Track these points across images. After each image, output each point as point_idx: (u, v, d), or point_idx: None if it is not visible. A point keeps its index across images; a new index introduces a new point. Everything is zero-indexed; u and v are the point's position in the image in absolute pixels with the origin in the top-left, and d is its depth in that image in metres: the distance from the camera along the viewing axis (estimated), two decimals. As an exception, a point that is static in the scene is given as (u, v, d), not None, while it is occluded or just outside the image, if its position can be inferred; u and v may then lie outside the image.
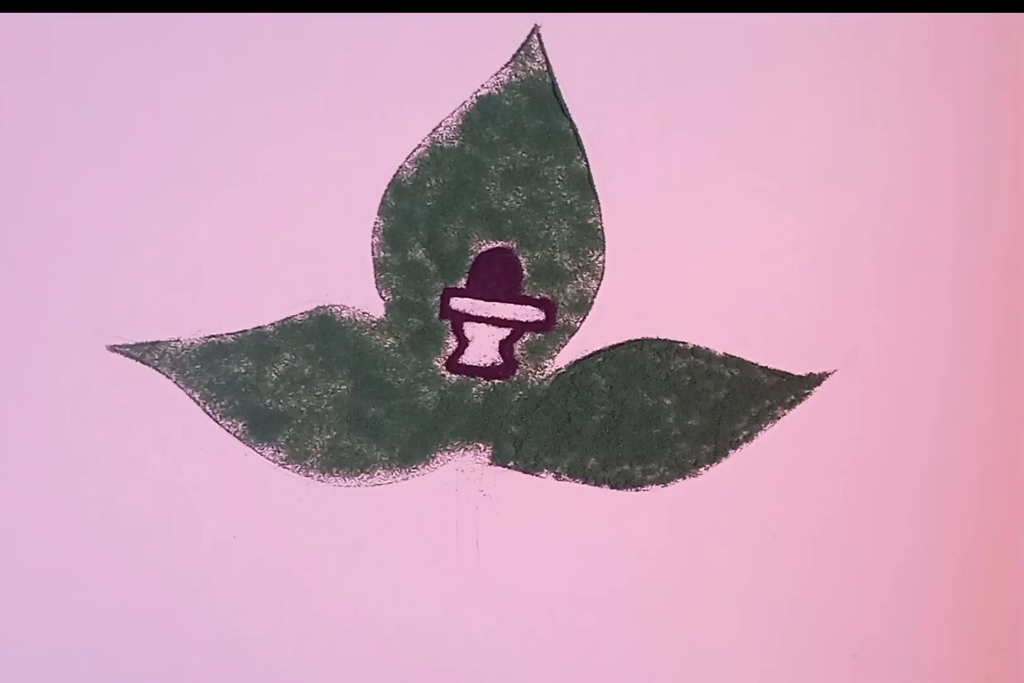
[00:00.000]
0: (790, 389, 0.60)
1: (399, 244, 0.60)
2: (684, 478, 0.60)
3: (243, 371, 0.59)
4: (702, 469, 0.60)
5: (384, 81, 0.59)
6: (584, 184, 0.60)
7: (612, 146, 0.60)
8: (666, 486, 0.60)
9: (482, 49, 0.59)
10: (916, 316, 0.61)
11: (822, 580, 0.61)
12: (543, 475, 0.60)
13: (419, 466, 0.60)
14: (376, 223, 0.59)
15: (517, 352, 0.60)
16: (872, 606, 0.61)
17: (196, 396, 0.59)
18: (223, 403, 0.59)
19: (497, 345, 0.60)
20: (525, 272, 0.60)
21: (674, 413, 0.60)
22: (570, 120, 0.60)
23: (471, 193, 0.60)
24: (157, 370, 0.58)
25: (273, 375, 0.59)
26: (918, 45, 0.61)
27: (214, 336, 0.59)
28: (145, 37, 0.58)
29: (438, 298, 0.60)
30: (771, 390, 0.60)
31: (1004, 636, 0.61)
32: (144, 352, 0.58)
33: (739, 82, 0.60)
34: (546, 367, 0.60)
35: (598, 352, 0.60)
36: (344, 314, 0.59)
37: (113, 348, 0.58)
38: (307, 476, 0.59)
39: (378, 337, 0.60)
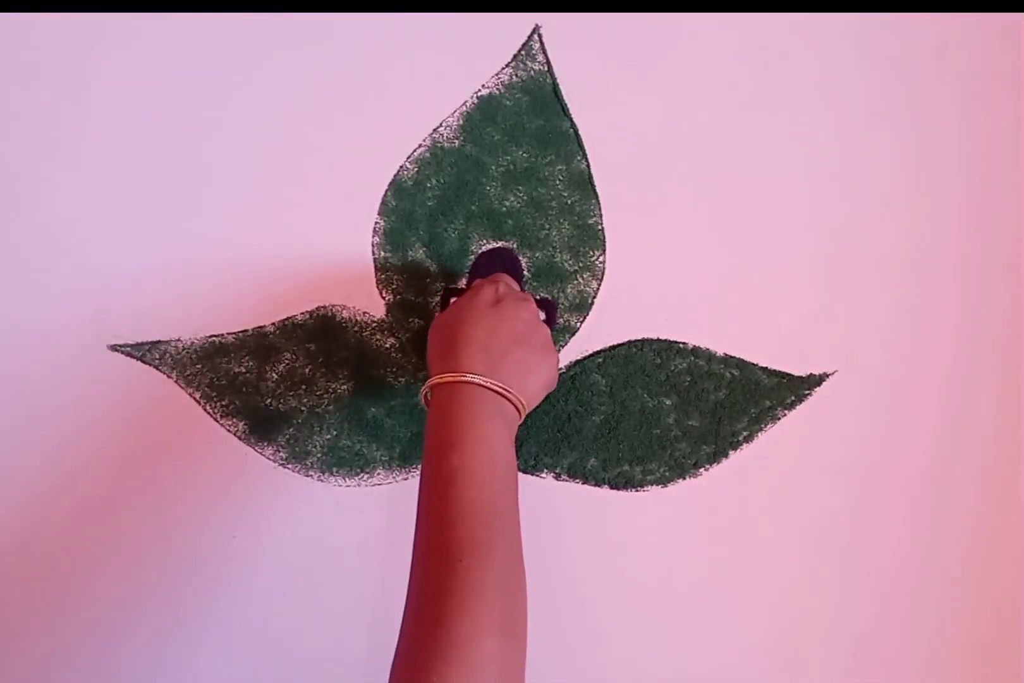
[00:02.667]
0: (790, 390, 0.60)
1: (400, 244, 0.60)
2: (684, 478, 0.60)
3: (244, 371, 0.59)
4: (702, 469, 0.60)
5: (384, 81, 0.59)
6: (585, 184, 0.60)
7: (613, 146, 0.60)
8: (666, 486, 0.60)
9: (483, 49, 0.59)
10: (916, 318, 0.61)
11: (822, 580, 0.61)
12: (543, 475, 0.60)
13: (419, 466, 0.60)
14: (377, 223, 0.59)
15: (517, 352, 0.60)
16: (872, 606, 0.61)
17: (197, 396, 0.59)
18: (223, 403, 0.59)
19: (497, 345, 0.60)
20: (525, 272, 0.60)
21: (674, 414, 0.60)
22: (571, 120, 0.60)
23: (472, 193, 0.60)
24: (158, 370, 0.58)
25: (274, 375, 0.59)
26: (920, 45, 0.61)
27: (215, 336, 0.59)
28: (145, 37, 0.58)
29: (439, 298, 0.60)
30: (771, 391, 0.60)
31: (1004, 636, 0.61)
32: (144, 352, 0.58)
33: (740, 82, 0.60)
34: (546, 367, 0.60)
35: (598, 352, 0.60)
36: (345, 314, 0.59)
37: (113, 348, 0.58)
38: (307, 476, 0.59)
39: (379, 337, 0.60)
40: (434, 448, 0.47)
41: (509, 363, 0.49)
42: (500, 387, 0.48)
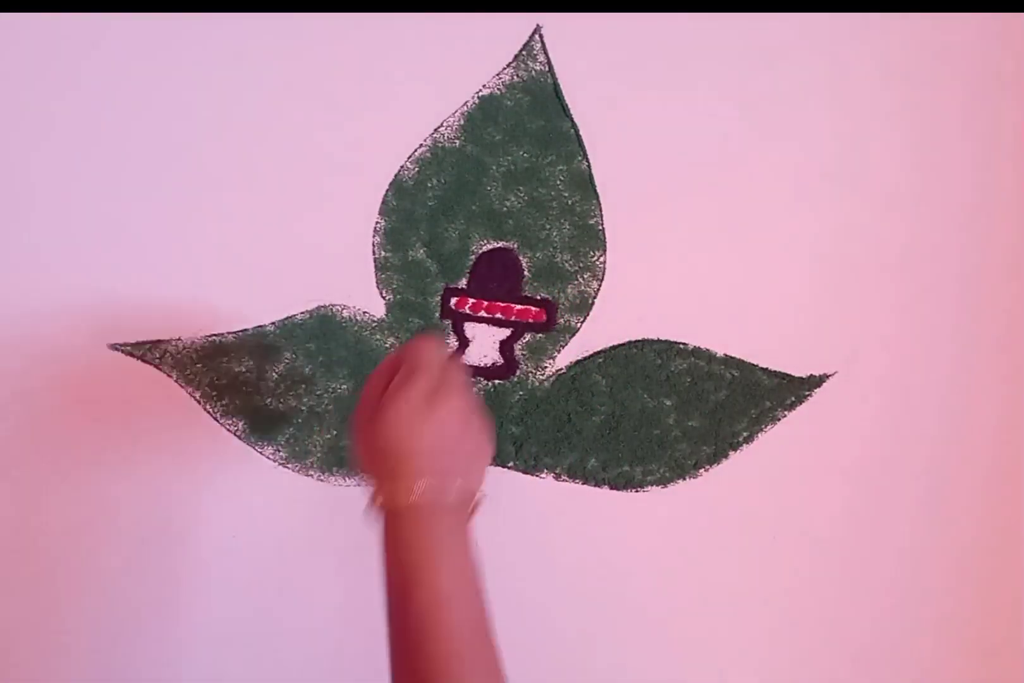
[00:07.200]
0: (790, 391, 0.60)
1: (400, 244, 0.60)
2: (684, 479, 0.60)
3: (244, 370, 0.59)
4: (702, 470, 0.60)
5: (385, 81, 0.59)
6: (585, 185, 0.60)
7: (613, 147, 0.60)
8: (666, 487, 0.60)
9: (484, 49, 0.59)
10: (917, 318, 0.60)
11: (822, 581, 0.61)
12: (543, 475, 0.60)
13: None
14: (377, 223, 0.59)
15: (517, 352, 0.60)
16: (871, 607, 0.61)
17: (197, 395, 0.59)
18: (223, 402, 0.59)
19: (497, 345, 0.60)
20: (526, 272, 0.60)
21: (674, 414, 0.60)
22: (571, 120, 0.60)
23: (472, 193, 0.60)
24: (158, 369, 0.59)
25: (274, 374, 0.59)
26: (921, 45, 0.61)
27: (215, 335, 0.59)
28: (146, 38, 0.58)
29: (439, 298, 0.60)
30: (771, 392, 0.60)
31: (1004, 637, 0.61)
32: (145, 351, 0.58)
33: (740, 83, 0.60)
34: (546, 367, 0.60)
35: (599, 353, 0.60)
36: (345, 314, 0.59)
37: (114, 347, 0.58)
38: (307, 476, 0.59)
39: (379, 337, 0.60)
40: (398, 585, 0.43)
41: (460, 459, 0.46)
42: (458, 493, 0.45)
